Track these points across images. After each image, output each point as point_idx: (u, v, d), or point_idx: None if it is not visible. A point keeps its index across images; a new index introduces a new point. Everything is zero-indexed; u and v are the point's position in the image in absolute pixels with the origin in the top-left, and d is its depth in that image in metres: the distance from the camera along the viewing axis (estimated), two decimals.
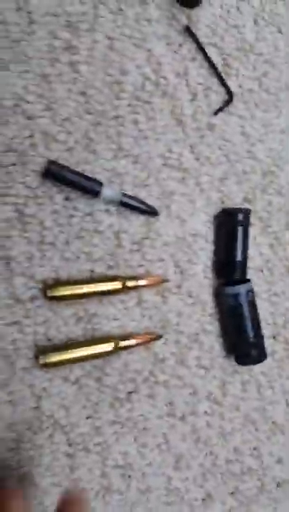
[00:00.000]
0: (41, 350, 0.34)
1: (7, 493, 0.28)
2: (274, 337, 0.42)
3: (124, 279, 0.35)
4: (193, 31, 0.39)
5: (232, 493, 0.41)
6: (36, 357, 0.34)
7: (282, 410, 0.42)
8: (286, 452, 0.43)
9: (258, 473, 0.42)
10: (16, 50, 0.33)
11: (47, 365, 0.33)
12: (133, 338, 0.36)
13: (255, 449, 0.42)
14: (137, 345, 0.36)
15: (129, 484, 0.37)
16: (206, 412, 0.40)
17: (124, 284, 0.35)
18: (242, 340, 0.38)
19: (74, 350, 0.34)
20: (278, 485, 0.43)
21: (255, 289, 0.41)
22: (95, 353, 0.35)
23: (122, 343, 0.35)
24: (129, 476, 0.38)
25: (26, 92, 0.34)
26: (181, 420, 0.39)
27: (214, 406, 0.40)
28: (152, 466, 0.38)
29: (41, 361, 0.33)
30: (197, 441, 0.39)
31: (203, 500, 0.40)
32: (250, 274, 0.41)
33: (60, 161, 0.34)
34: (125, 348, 0.36)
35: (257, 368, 0.41)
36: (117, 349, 0.35)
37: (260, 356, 0.39)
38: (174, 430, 0.39)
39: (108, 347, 0.35)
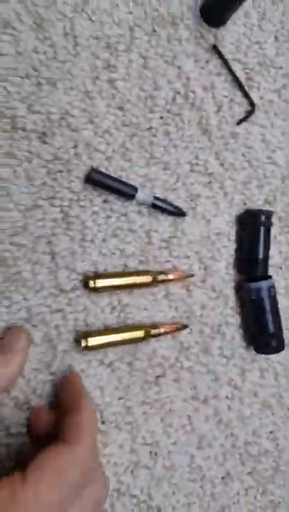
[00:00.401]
0: (81, 335, 0.40)
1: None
2: None
3: (154, 273, 0.41)
4: (219, 49, 0.44)
5: (249, 472, 0.47)
6: (77, 341, 0.40)
7: None
8: None
9: (274, 455, 0.47)
10: (62, 69, 0.40)
11: (87, 348, 0.39)
12: (162, 327, 0.42)
13: (271, 432, 0.47)
14: (165, 333, 0.42)
15: (156, 461, 0.43)
16: (227, 397, 0.45)
17: (154, 278, 0.41)
18: (263, 332, 0.44)
19: (110, 335, 0.40)
20: None
21: (275, 284, 0.46)
22: (128, 339, 0.41)
23: (152, 331, 0.41)
24: (156, 454, 0.43)
25: (71, 107, 0.40)
26: (204, 403, 0.45)
27: (234, 391, 0.45)
28: (177, 445, 0.44)
29: (83, 344, 0.39)
30: (219, 423, 0.45)
31: (222, 478, 0.46)
32: (270, 271, 0.46)
33: (101, 169, 0.41)
34: (154, 335, 0.42)
35: (274, 358, 0.47)
36: (148, 336, 0.41)
37: (279, 346, 0.44)
38: (197, 412, 0.44)
39: (140, 334, 0.41)
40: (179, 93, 0.43)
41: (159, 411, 0.43)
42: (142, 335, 0.41)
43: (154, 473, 0.43)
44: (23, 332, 0.37)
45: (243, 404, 0.46)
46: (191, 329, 0.44)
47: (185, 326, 0.43)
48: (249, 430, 0.46)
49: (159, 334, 0.42)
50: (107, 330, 0.41)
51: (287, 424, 0.48)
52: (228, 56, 0.45)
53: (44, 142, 0.39)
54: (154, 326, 0.42)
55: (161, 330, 0.42)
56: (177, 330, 0.43)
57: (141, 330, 0.41)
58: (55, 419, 0.37)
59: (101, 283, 0.40)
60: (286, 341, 0.47)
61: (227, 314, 0.45)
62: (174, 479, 0.44)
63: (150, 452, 0.43)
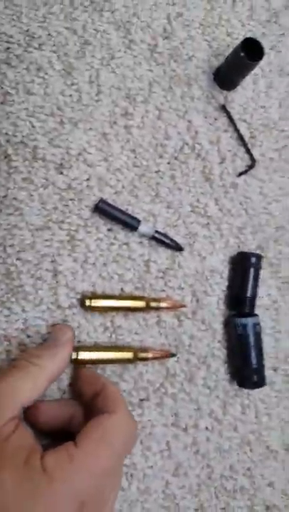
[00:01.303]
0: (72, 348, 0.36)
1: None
2: (275, 369, 0.42)
3: (148, 299, 0.38)
4: (228, 109, 0.42)
5: (223, 508, 0.40)
6: None
7: (276, 437, 0.42)
8: (278, 478, 0.42)
9: (249, 492, 0.41)
10: (84, 112, 0.38)
11: (77, 361, 0.35)
12: (150, 351, 0.38)
13: (248, 469, 0.41)
14: (153, 358, 0.38)
15: (131, 483, 0.38)
16: (206, 428, 0.40)
17: (147, 304, 0.37)
18: (245, 366, 0.39)
19: (100, 352, 0.36)
20: (267, 508, 0.41)
21: (262, 324, 0.41)
22: (117, 359, 0.36)
23: (141, 354, 0.37)
24: (132, 476, 0.38)
25: (89, 145, 0.38)
26: (184, 431, 0.39)
27: (215, 423, 0.40)
28: (153, 469, 0.38)
29: (73, 356, 0.35)
30: (196, 453, 0.39)
31: (195, 510, 0.39)
32: (258, 311, 0.41)
33: (109, 201, 0.38)
34: (142, 359, 0.37)
35: (256, 395, 0.41)
36: (136, 359, 0.37)
37: (260, 382, 0.39)
38: (176, 439, 0.39)
39: (129, 355, 0.37)
40: (187, 144, 0.41)
41: (139, 433, 0.38)
42: (131, 356, 0.37)
43: (127, 494, 0.37)
44: (67, 327, 0.35)
45: (222, 437, 0.40)
46: (178, 357, 0.39)
47: (173, 355, 0.39)
48: (226, 464, 0.40)
49: (147, 358, 0.37)
50: (97, 347, 0.37)
51: (265, 462, 0.41)
52: (235, 116, 0.43)
53: (61, 173, 0.37)
54: (144, 349, 0.38)
55: (150, 355, 0.37)
56: (165, 357, 0.38)
57: (130, 351, 0.37)
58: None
59: (97, 303, 0.36)
60: (269, 380, 0.41)
61: (214, 347, 0.40)
62: (147, 504, 0.38)
63: (126, 473, 0.38)
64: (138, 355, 0.37)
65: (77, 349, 0.35)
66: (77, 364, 0.36)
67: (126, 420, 0.31)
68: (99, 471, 0.27)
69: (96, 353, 0.36)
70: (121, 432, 0.30)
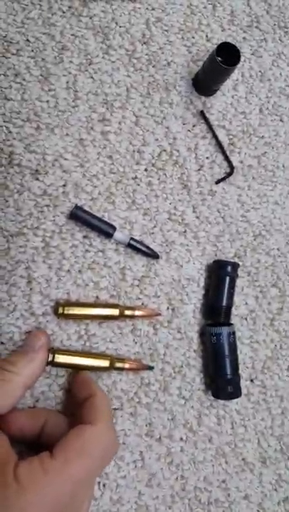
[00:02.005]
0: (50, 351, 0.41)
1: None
2: (252, 380, 0.48)
3: (122, 308, 0.43)
4: (207, 115, 0.48)
5: None
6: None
7: (252, 449, 0.47)
8: (253, 491, 0.47)
9: (224, 505, 0.46)
10: (61, 117, 0.44)
11: (52, 364, 0.40)
12: (127, 362, 0.43)
13: (223, 481, 0.46)
14: (129, 369, 0.43)
15: (104, 492, 0.43)
16: (181, 438, 0.45)
17: (122, 312, 0.43)
18: (220, 376, 0.44)
19: (76, 357, 0.41)
20: None
21: (239, 334, 0.47)
22: (93, 366, 0.42)
23: (117, 364, 0.42)
24: (104, 485, 0.43)
25: (65, 151, 0.44)
26: (158, 441, 0.44)
27: (189, 434, 0.45)
28: (126, 479, 0.43)
29: (49, 358, 0.39)
30: (170, 464, 0.45)
31: None
32: (235, 320, 0.47)
33: (85, 208, 0.44)
34: (118, 368, 0.42)
35: (233, 406, 0.47)
36: (112, 368, 0.42)
37: (235, 393, 0.44)
38: (150, 449, 0.44)
39: (105, 363, 0.42)
40: (164, 150, 0.47)
41: None
42: (108, 365, 0.42)
43: (100, 504, 0.43)
44: (42, 332, 0.40)
45: (196, 448, 0.46)
46: (152, 367, 0.45)
47: (150, 368, 0.44)
48: (201, 476, 0.46)
49: (123, 369, 0.43)
50: (75, 352, 0.42)
51: (240, 475, 0.47)
52: (214, 122, 0.49)
53: (36, 179, 0.42)
54: (121, 359, 0.43)
55: (126, 365, 0.43)
56: (141, 369, 0.44)
57: (107, 360, 0.42)
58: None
59: (70, 311, 0.41)
60: (245, 391, 0.47)
61: (189, 356, 0.46)
62: None
63: (99, 483, 0.43)
64: (114, 365, 0.42)
65: (54, 352, 0.40)
66: (53, 366, 0.41)
67: (107, 433, 0.35)
68: (73, 484, 0.31)
69: (72, 357, 0.41)
70: (100, 444, 0.34)
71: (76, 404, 0.39)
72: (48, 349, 0.39)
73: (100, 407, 0.36)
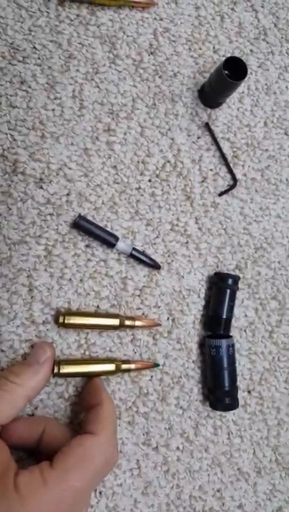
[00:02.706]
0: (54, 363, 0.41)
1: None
2: (249, 391, 0.48)
3: (123, 317, 0.43)
4: (211, 127, 0.48)
5: None
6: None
7: (248, 459, 0.47)
8: (248, 500, 0.47)
9: None
10: (66, 126, 0.43)
11: (59, 375, 0.40)
12: (133, 363, 0.43)
13: (218, 490, 0.46)
14: (136, 369, 0.43)
15: (100, 500, 0.43)
16: (177, 448, 0.45)
17: (122, 323, 0.43)
18: (218, 388, 0.44)
19: (82, 366, 0.41)
20: None
21: (238, 345, 0.47)
22: (99, 371, 0.41)
23: (123, 366, 0.42)
24: (100, 493, 0.43)
25: (70, 160, 0.43)
26: (155, 450, 0.44)
27: (186, 443, 0.45)
28: (122, 487, 0.43)
29: (55, 370, 0.39)
30: (166, 473, 0.45)
31: None
32: (234, 332, 0.47)
33: (88, 217, 0.43)
34: (125, 370, 0.42)
35: (229, 416, 0.47)
36: (118, 371, 0.42)
37: (232, 405, 0.44)
38: (146, 458, 0.44)
39: (111, 367, 0.41)
40: (168, 162, 0.46)
41: None
42: (113, 369, 0.41)
43: (96, 511, 0.42)
44: (47, 344, 0.39)
45: (193, 457, 0.45)
46: (151, 376, 0.45)
47: (156, 365, 0.44)
48: (196, 485, 0.46)
49: (129, 370, 0.42)
50: (79, 360, 0.42)
51: (235, 484, 0.47)
52: (218, 134, 0.48)
53: (40, 187, 0.42)
54: (126, 361, 0.43)
55: (132, 366, 0.42)
56: (148, 367, 0.43)
57: (112, 364, 0.42)
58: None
59: (71, 320, 0.41)
60: (242, 402, 0.47)
61: (188, 367, 0.46)
62: None
63: (95, 490, 0.43)
64: (120, 368, 0.42)
65: (59, 363, 0.40)
66: (59, 377, 0.41)
67: (108, 444, 0.35)
68: (72, 493, 0.31)
69: (78, 366, 0.41)
70: (101, 455, 0.33)
71: (83, 409, 0.39)
72: (53, 362, 0.39)
73: (105, 418, 0.36)
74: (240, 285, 0.47)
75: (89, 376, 0.42)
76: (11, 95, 0.42)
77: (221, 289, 0.45)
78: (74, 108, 0.44)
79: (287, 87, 0.52)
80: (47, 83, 0.43)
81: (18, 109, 0.42)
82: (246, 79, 0.48)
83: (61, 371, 0.40)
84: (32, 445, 0.37)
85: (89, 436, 0.34)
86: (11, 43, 0.43)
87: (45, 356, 0.38)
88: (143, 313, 0.45)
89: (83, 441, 0.33)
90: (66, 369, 0.40)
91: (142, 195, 0.45)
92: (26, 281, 0.41)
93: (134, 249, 0.44)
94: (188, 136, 0.47)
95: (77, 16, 0.45)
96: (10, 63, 0.42)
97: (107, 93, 0.45)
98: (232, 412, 0.47)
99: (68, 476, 0.31)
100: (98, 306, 0.43)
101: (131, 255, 0.44)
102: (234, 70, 0.42)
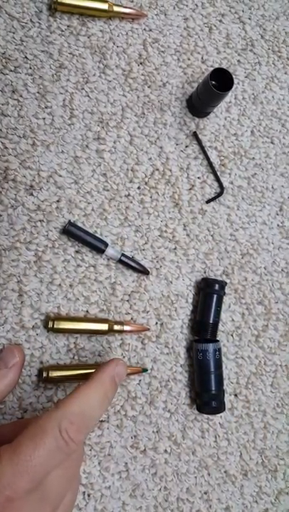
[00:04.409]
0: (40, 369, 0.41)
1: None
2: (236, 395, 0.48)
3: (112, 322, 0.43)
4: (199, 137, 0.48)
5: None
6: (40, 373, 0.41)
7: (234, 462, 0.47)
8: (235, 502, 0.47)
9: None
10: (57, 135, 0.43)
11: (47, 380, 0.40)
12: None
13: (205, 493, 0.46)
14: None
15: (88, 502, 0.42)
16: (165, 451, 0.45)
17: (111, 327, 0.42)
18: (205, 392, 0.44)
19: (70, 371, 0.41)
20: None
21: (225, 349, 0.47)
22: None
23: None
24: (89, 495, 0.43)
25: (60, 168, 0.43)
26: (143, 453, 0.44)
27: (174, 446, 0.45)
28: (110, 490, 0.43)
29: (44, 374, 0.39)
30: (154, 475, 0.44)
31: None
32: (221, 336, 0.47)
33: (78, 223, 0.43)
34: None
35: (216, 419, 0.47)
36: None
37: (219, 408, 0.44)
38: (134, 461, 0.44)
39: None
40: (157, 170, 0.46)
41: (98, 454, 0.43)
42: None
43: None
44: (16, 349, 0.39)
45: (180, 460, 0.45)
46: (140, 380, 0.44)
47: (145, 370, 0.44)
48: (183, 487, 0.45)
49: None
50: (67, 366, 0.42)
51: (222, 487, 0.47)
52: (206, 143, 0.48)
53: (31, 194, 0.42)
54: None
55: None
56: (136, 373, 0.44)
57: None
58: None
59: (60, 325, 0.41)
60: (229, 405, 0.47)
61: (176, 371, 0.46)
62: None
63: (84, 493, 0.42)
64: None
65: (47, 368, 0.40)
66: (47, 382, 0.41)
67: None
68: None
69: (66, 371, 0.41)
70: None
71: None
72: (22, 368, 0.38)
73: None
74: (227, 290, 0.47)
75: (76, 380, 0.42)
76: (2, 104, 0.42)
77: (208, 294, 0.45)
78: (64, 117, 0.44)
79: (273, 97, 0.52)
80: (38, 92, 0.43)
81: (9, 118, 0.42)
82: (233, 89, 0.49)
83: (50, 375, 0.40)
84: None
85: (45, 414, 0.30)
86: (3, 53, 0.43)
87: (14, 361, 0.37)
88: (132, 318, 0.45)
89: (38, 418, 0.30)
90: (54, 373, 0.40)
91: (131, 202, 0.45)
92: (16, 287, 0.41)
93: (123, 255, 0.44)
94: (177, 144, 0.47)
95: (68, 26, 0.45)
96: (1, 73, 0.42)
97: (97, 102, 0.45)
98: (219, 415, 0.47)
99: (25, 449, 0.28)
100: (87, 311, 0.43)
101: (120, 261, 0.44)
102: (221, 80, 0.43)
